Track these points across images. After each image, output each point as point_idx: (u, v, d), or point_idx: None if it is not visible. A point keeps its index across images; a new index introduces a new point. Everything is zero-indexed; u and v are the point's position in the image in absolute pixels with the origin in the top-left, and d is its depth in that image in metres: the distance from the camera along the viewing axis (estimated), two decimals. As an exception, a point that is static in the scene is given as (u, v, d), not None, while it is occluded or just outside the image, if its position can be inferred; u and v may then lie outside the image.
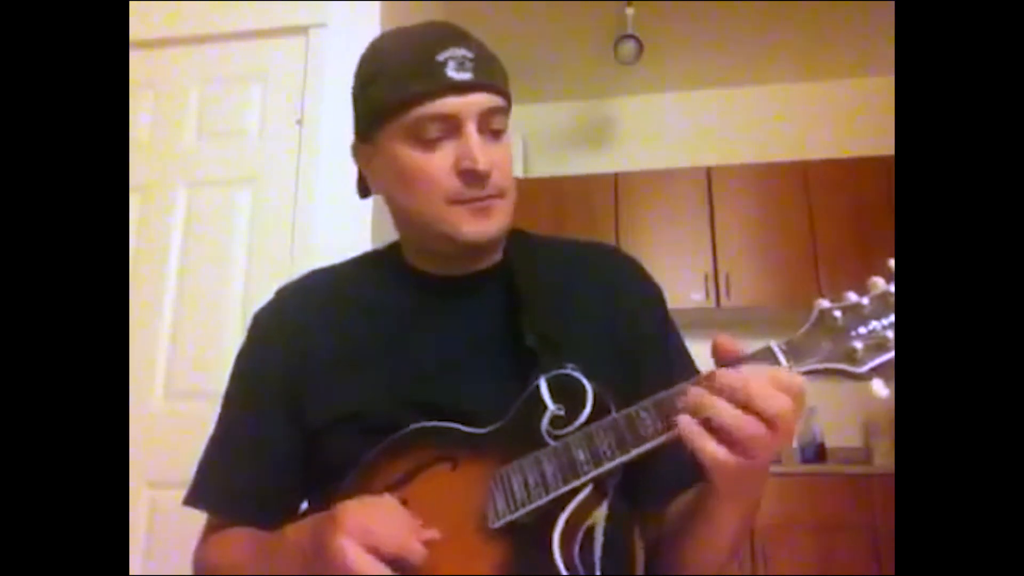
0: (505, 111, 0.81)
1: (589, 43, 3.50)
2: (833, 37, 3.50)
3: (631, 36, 3.11)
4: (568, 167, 3.87)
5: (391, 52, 0.81)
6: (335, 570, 0.62)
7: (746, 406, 0.58)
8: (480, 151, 0.76)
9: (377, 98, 0.79)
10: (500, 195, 0.79)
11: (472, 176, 0.76)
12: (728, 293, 3.37)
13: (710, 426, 0.59)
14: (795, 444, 3.33)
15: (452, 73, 0.76)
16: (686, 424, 0.60)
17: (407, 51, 0.79)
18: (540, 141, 4.04)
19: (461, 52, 0.77)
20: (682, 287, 3.34)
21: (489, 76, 0.79)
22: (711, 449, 0.59)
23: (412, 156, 0.78)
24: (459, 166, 0.77)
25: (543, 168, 3.94)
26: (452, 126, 0.77)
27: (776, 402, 0.58)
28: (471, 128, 0.77)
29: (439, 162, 0.77)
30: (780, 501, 2.90)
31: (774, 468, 3.11)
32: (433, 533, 0.66)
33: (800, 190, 3.43)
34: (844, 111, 3.80)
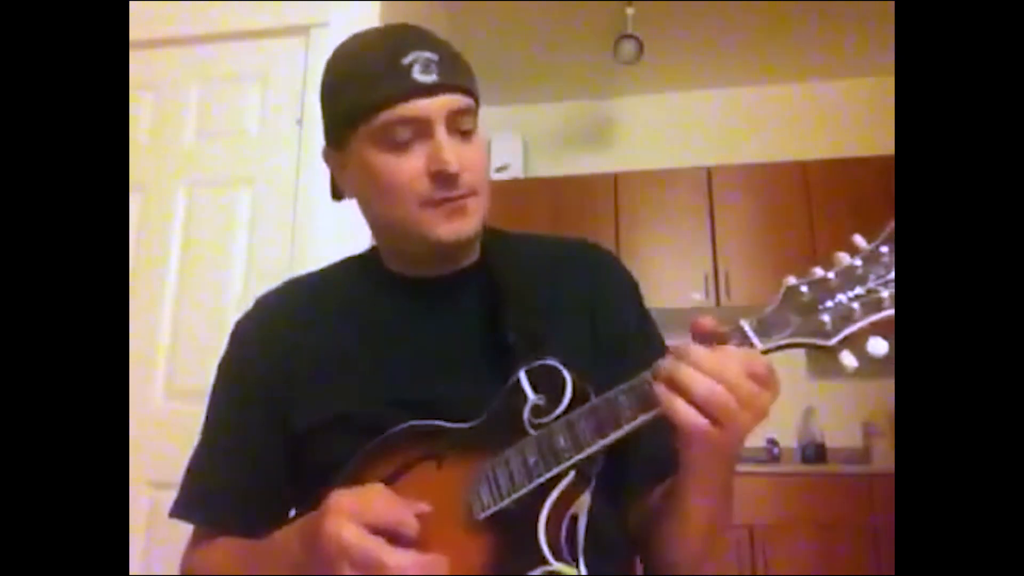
0: (473, 111, 0.81)
1: (589, 43, 3.50)
2: (833, 37, 3.50)
3: (631, 36, 3.10)
4: (568, 167, 3.87)
5: (356, 57, 0.81)
6: (328, 553, 0.62)
7: (716, 377, 0.60)
8: (451, 152, 0.77)
9: (345, 104, 0.79)
10: (473, 193, 0.80)
11: (443, 178, 0.77)
12: (728, 293, 3.37)
13: (680, 392, 0.61)
14: (795, 444, 3.33)
15: (418, 76, 0.76)
16: (660, 389, 0.62)
17: (372, 56, 0.79)
18: (540, 141, 4.04)
19: (426, 55, 0.78)
20: (682, 287, 3.35)
21: (455, 77, 0.79)
22: (684, 411, 0.61)
23: (383, 160, 0.78)
24: (430, 168, 0.77)
25: (543, 168, 3.94)
26: (421, 129, 0.77)
27: (745, 386, 0.61)
28: (440, 130, 0.77)
29: (410, 165, 0.77)
30: (780, 501, 2.90)
31: (774, 468, 3.11)
32: (425, 507, 0.66)
33: (800, 190, 3.43)
34: (844, 111, 3.80)
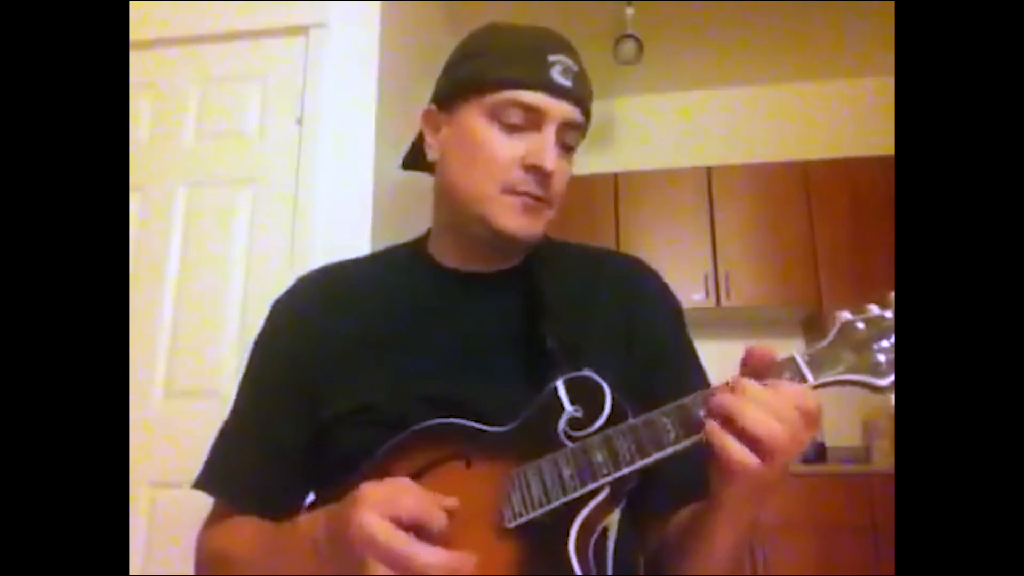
0: (582, 132, 0.84)
1: (589, 43, 3.48)
2: (833, 37, 3.50)
3: (631, 36, 3.11)
4: (568, 167, 3.87)
5: (507, 37, 0.83)
6: (355, 545, 0.61)
7: (776, 416, 0.59)
8: (551, 153, 0.78)
9: (477, 70, 0.81)
10: (550, 203, 0.82)
11: (537, 172, 0.78)
12: (728, 293, 3.37)
13: (734, 430, 0.60)
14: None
15: (556, 76, 0.79)
16: (711, 426, 0.61)
17: (523, 41, 0.82)
18: (540, 141, 4.03)
19: (569, 62, 0.81)
20: (682, 287, 3.31)
21: (584, 94, 0.82)
22: (734, 448, 0.59)
23: (488, 134, 0.80)
24: (527, 160, 0.78)
25: (543, 168, 3.93)
26: (534, 121, 0.79)
27: (798, 424, 0.60)
28: (551, 129, 0.79)
29: (510, 148, 0.79)
30: (780, 501, 2.90)
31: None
32: (453, 502, 0.66)
33: (800, 190, 3.43)
34: (844, 111, 3.80)
